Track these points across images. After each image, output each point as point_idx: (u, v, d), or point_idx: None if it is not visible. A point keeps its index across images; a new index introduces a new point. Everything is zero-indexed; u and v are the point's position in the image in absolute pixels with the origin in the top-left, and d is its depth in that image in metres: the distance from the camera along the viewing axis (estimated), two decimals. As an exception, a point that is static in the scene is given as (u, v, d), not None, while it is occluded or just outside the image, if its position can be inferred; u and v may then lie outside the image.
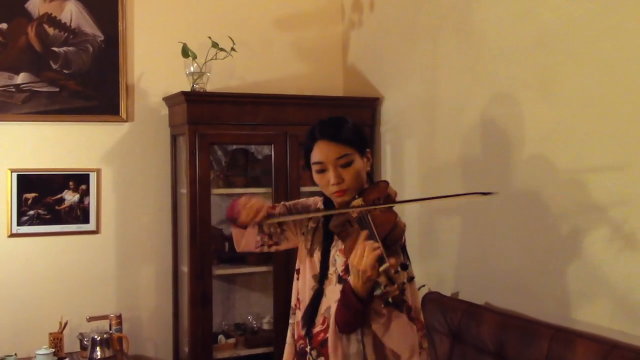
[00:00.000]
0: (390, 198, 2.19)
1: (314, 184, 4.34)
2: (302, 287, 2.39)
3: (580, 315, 2.85)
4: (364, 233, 2.05)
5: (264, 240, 2.41)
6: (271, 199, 4.08)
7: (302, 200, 2.50)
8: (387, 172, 4.17)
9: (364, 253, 1.96)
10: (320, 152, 2.23)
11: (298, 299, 2.41)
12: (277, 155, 4.04)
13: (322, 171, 2.24)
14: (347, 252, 2.10)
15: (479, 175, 3.42)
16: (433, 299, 3.44)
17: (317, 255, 2.35)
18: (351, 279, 2.01)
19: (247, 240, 2.39)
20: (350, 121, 2.31)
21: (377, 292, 1.91)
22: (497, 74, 3.29)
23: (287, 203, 2.47)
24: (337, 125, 2.27)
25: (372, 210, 2.12)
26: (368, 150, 2.31)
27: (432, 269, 3.80)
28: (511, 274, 3.22)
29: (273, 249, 2.43)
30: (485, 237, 3.39)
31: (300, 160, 4.06)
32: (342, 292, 2.09)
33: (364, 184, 2.27)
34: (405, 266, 1.93)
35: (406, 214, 3.91)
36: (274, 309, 4.09)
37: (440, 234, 3.73)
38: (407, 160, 4.01)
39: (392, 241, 2.07)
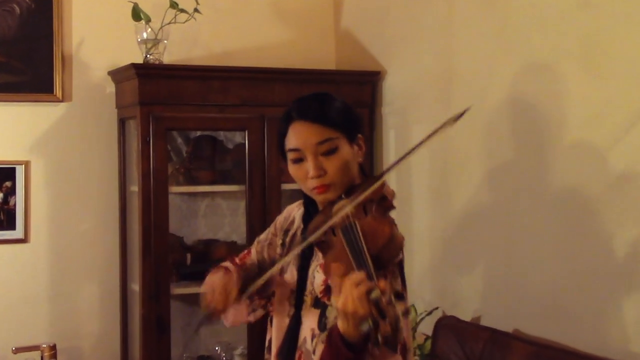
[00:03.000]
0: (386, 201, 2.15)
1: None
2: (275, 318, 2.37)
3: (632, 346, 2.84)
4: (343, 257, 2.00)
5: (254, 304, 2.40)
6: (245, 198, 4.11)
7: (274, 222, 2.48)
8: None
9: (348, 290, 1.89)
10: (297, 135, 2.19)
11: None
12: (252, 144, 4.05)
13: (298, 160, 2.20)
14: (327, 268, 2.07)
15: (506, 169, 3.44)
16: (448, 325, 3.44)
17: (291, 272, 2.34)
18: (339, 323, 1.97)
19: (235, 317, 2.41)
20: (338, 99, 2.28)
21: (364, 326, 1.87)
22: (529, 42, 3.29)
23: (260, 238, 2.47)
24: (319, 101, 2.23)
25: (362, 217, 2.08)
26: (360, 135, 2.28)
27: (447, 287, 3.80)
28: (546, 294, 3.22)
29: (269, 306, 2.43)
30: (514, 248, 3.39)
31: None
32: (328, 338, 2.05)
33: (355, 179, 2.24)
34: (400, 295, 1.90)
35: (414, 218, 3.94)
36: (248, 337, 4.09)
37: (457, 243, 3.73)
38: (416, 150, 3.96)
39: (386, 259, 2.04)
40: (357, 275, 1.91)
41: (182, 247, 4.26)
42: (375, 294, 1.85)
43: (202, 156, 4.29)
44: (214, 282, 2.26)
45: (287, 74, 4.16)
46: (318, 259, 2.25)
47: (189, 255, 4.24)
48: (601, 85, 2.96)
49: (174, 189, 4.10)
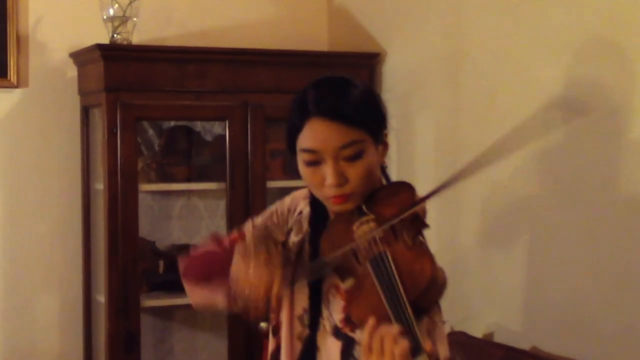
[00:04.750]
0: (419, 221, 2.09)
1: (287, 176, 4.31)
2: (284, 339, 2.29)
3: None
4: (372, 296, 1.93)
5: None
6: (225, 197, 4.13)
7: (276, 206, 2.40)
8: (392, 161, 4.14)
9: (385, 349, 1.83)
10: (315, 135, 2.08)
11: None
12: (233, 135, 4.05)
13: (314, 163, 2.10)
14: (351, 307, 2.00)
15: (525, 163, 3.42)
16: (458, 341, 3.40)
17: (303, 287, 2.25)
18: None
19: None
20: (362, 87, 2.18)
21: None
22: (549, 18, 3.29)
23: (255, 222, 2.37)
24: (344, 93, 2.12)
25: (392, 242, 2.01)
26: (386, 132, 2.20)
27: (456, 299, 3.72)
28: (570, 307, 3.22)
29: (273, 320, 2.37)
30: (533, 253, 3.39)
31: (267, 144, 4.11)
32: None
33: (376, 184, 2.17)
34: None
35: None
36: (228, 355, 4.07)
37: (468, 249, 3.74)
38: (420, 142, 4.01)
39: (427, 305, 1.96)
40: (395, 329, 1.85)
41: (153, 254, 4.25)
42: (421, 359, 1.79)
43: (177, 149, 4.28)
44: (245, 249, 2.14)
45: (273, 56, 4.16)
46: (333, 277, 2.17)
47: (161, 263, 4.22)
48: (628, 66, 2.97)
49: (144, 187, 4.11)
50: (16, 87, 4.17)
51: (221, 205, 4.38)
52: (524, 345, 3.30)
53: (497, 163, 3.48)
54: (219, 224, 4.45)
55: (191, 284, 2.34)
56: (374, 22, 4.32)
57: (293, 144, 2.14)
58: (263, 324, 2.38)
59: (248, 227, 2.33)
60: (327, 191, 2.10)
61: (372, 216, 2.07)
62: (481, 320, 3.60)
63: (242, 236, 2.30)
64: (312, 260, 2.21)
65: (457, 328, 3.58)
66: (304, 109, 2.11)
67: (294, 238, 2.29)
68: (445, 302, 3.74)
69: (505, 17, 3.49)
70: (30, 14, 4.19)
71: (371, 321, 1.91)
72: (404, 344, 1.82)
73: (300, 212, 2.33)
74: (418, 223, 2.08)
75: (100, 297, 4.05)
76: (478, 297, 3.65)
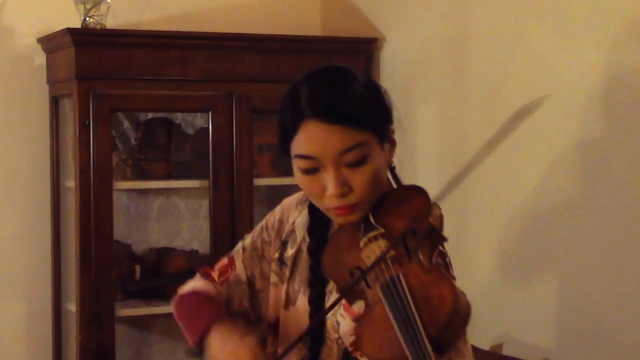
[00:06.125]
0: (435, 234, 1.98)
1: (276, 172, 4.27)
2: None
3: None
4: (385, 328, 1.86)
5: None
6: (208, 196, 4.12)
7: (266, 219, 2.33)
8: (390, 156, 4.12)
9: None
10: (313, 140, 1.97)
11: None
12: (217, 128, 4.05)
13: (312, 171, 2.01)
14: (358, 331, 1.92)
15: (533, 158, 3.43)
16: None
17: (302, 302, 2.17)
18: None
19: None
20: (362, 78, 2.08)
21: None
22: None
23: (246, 243, 2.32)
24: (341, 89, 2.01)
25: (405, 262, 1.92)
26: (392, 128, 2.11)
27: None
28: (586, 316, 3.21)
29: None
30: (543, 255, 3.39)
31: (255, 137, 4.12)
32: None
33: (384, 189, 2.08)
34: None
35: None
36: None
37: (472, 252, 3.73)
38: (423, 135, 3.99)
39: (449, 341, 1.86)
40: None
41: (129, 258, 4.24)
42: None
43: (155, 144, 4.27)
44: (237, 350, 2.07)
45: (261, 41, 4.17)
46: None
47: (138, 268, 4.22)
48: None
49: (119, 184, 4.10)
50: (-21, 75, 4.19)
51: (204, 204, 4.38)
52: (536, 358, 3.31)
53: (502, 164, 3.50)
54: (202, 225, 4.46)
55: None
56: (371, 4, 4.34)
57: (286, 146, 2.05)
58: None
59: (238, 251, 2.30)
60: (329, 202, 2.01)
61: (382, 230, 1.98)
62: (489, 330, 3.58)
63: (231, 263, 2.27)
64: (311, 271, 2.13)
65: (463, 339, 3.60)
66: (297, 110, 2.01)
67: (289, 251, 2.22)
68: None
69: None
70: (-5, -5, 4.21)
71: (378, 351, 1.84)
72: None
73: (294, 222, 2.26)
74: (434, 236, 1.97)
75: (71, 306, 4.04)
76: (485, 305, 3.60)
